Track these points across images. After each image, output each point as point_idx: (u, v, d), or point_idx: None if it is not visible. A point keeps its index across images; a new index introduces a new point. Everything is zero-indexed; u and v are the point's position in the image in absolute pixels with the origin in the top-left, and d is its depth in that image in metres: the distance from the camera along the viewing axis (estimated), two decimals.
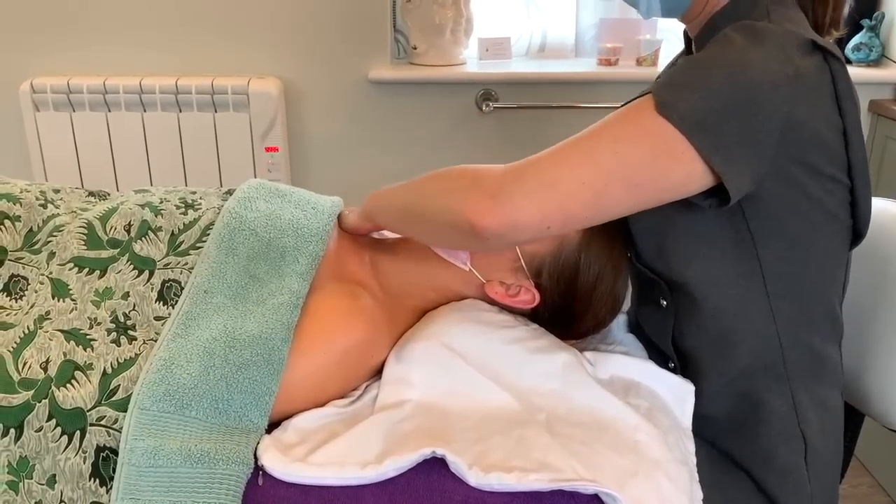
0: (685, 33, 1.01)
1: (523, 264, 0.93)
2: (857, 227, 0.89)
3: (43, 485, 0.75)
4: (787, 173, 0.81)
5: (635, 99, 0.79)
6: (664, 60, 2.04)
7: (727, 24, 0.85)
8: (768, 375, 0.90)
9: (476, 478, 0.74)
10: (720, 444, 0.93)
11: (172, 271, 0.89)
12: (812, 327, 0.90)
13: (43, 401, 0.76)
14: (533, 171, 0.75)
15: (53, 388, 0.77)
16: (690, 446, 0.86)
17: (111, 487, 0.74)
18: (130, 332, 0.84)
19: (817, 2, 0.90)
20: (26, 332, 0.83)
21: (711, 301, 0.89)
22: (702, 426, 0.92)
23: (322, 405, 0.85)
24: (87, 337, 0.82)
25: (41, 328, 0.83)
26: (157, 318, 0.86)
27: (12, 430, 0.75)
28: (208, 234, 0.93)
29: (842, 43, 2.01)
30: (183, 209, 0.96)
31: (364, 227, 1.00)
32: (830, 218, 0.86)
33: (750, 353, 0.90)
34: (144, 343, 0.83)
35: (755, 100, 0.75)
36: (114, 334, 0.83)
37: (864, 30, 1.98)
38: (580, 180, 0.74)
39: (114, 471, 0.75)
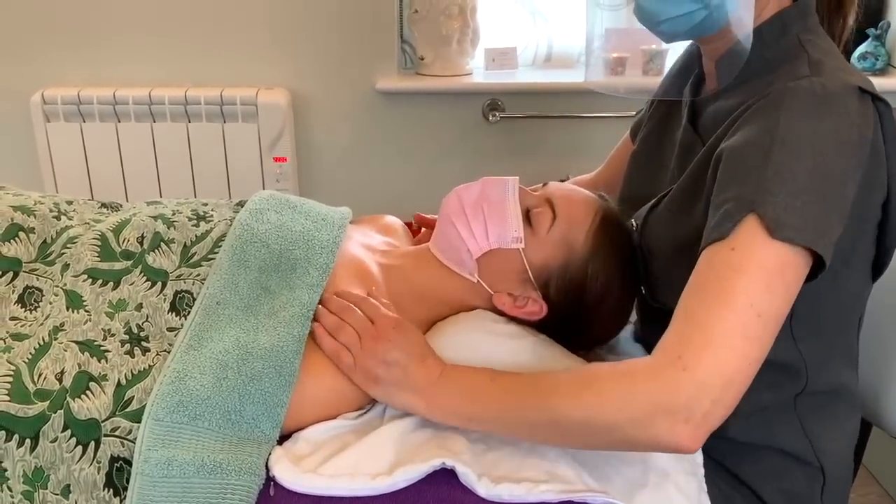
0: (697, 50, 0.99)
1: (531, 276, 0.94)
2: (881, 262, 0.88)
3: (57, 495, 0.75)
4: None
5: (728, 224, 0.74)
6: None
7: (755, 51, 0.83)
8: (786, 409, 0.89)
9: (486, 489, 0.74)
10: (728, 463, 0.91)
11: (185, 282, 0.90)
12: (833, 361, 0.90)
13: (58, 411, 0.77)
14: (714, 375, 0.70)
15: (68, 398, 0.78)
16: (699, 457, 0.86)
17: (125, 498, 0.75)
18: (144, 344, 0.85)
19: (833, 17, 0.89)
20: (41, 343, 0.84)
21: None
22: (710, 445, 0.91)
23: (332, 419, 0.85)
24: (102, 348, 0.83)
25: (56, 339, 0.84)
26: (170, 329, 0.86)
27: (28, 441, 0.76)
28: (220, 246, 0.93)
29: (847, 52, 2.01)
30: (195, 221, 0.97)
31: None
32: (862, 257, 0.86)
33: (770, 390, 0.88)
34: (158, 354, 0.84)
35: (839, 181, 0.75)
36: (127, 345, 0.84)
37: (869, 39, 1.98)
38: (749, 360, 0.72)
39: (128, 481, 0.76)
